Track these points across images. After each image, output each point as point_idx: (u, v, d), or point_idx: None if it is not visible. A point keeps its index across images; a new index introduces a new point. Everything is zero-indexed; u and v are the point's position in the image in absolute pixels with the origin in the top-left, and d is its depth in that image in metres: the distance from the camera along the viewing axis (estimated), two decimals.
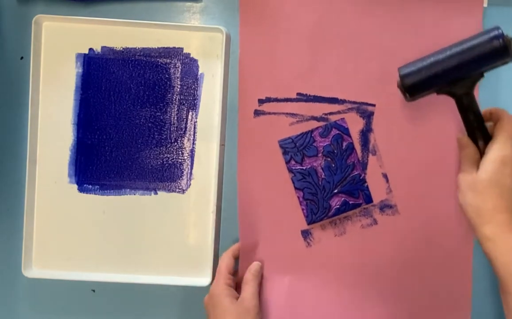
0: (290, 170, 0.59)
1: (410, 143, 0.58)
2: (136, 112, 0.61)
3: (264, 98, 0.59)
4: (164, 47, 0.61)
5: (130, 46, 0.61)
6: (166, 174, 0.61)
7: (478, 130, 0.52)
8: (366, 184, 0.58)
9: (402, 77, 0.51)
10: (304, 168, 0.59)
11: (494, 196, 0.49)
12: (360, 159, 0.58)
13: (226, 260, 0.57)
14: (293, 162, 0.59)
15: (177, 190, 0.61)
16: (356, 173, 0.58)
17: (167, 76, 0.61)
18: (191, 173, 0.61)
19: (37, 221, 0.61)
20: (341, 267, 0.59)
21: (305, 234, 0.59)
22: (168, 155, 0.61)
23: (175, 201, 0.61)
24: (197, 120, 0.61)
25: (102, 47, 0.61)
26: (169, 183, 0.61)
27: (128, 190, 0.61)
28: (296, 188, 0.59)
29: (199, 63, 0.61)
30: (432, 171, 0.58)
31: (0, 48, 0.62)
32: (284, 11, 0.59)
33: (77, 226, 0.61)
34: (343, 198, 0.58)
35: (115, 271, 0.61)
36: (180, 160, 0.61)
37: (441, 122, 0.58)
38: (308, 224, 0.59)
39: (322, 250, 0.59)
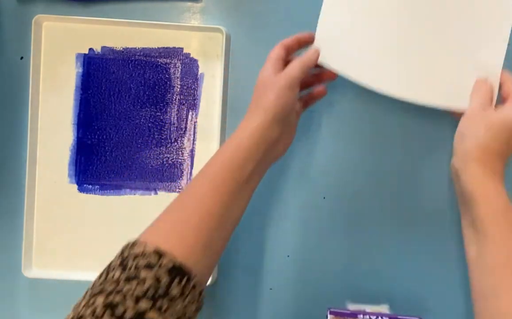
0: None
1: None
2: (136, 112, 0.61)
3: None
4: (164, 47, 0.61)
5: (130, 46, 0.61)
6: (166, 174, 0.61)
7: None
8: None
9: None
10: None
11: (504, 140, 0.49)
12: None
13: (276, 50, 0.52)
14: None
15: (177, 190, 0.61)
16: None
17: (167, 76, 0.61)
18: (191, 173, 0.61)
19: (37, 221, 0.61)
20: None
21: None
22: (168, 155, 0.61)
23: None
24: (197, 120, 0.61)
25: (102, 47, 0.61)
26: (169, 183, 0.61)
27: (128, 190, 0.61)
28: None
29: (199, 63, 0.61)
30: None
31: (0, 48, 0.62)
32: None
33: (77, 226, 0.61)
34: None
35: None
36: (180, 160, 0.61)
37: None
38: None
39: None
